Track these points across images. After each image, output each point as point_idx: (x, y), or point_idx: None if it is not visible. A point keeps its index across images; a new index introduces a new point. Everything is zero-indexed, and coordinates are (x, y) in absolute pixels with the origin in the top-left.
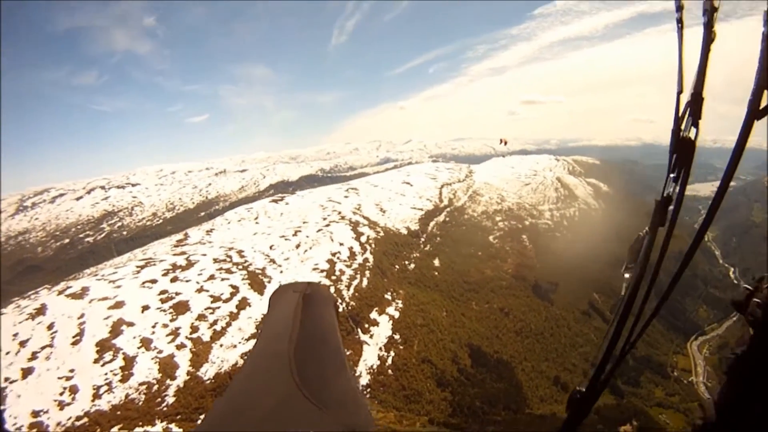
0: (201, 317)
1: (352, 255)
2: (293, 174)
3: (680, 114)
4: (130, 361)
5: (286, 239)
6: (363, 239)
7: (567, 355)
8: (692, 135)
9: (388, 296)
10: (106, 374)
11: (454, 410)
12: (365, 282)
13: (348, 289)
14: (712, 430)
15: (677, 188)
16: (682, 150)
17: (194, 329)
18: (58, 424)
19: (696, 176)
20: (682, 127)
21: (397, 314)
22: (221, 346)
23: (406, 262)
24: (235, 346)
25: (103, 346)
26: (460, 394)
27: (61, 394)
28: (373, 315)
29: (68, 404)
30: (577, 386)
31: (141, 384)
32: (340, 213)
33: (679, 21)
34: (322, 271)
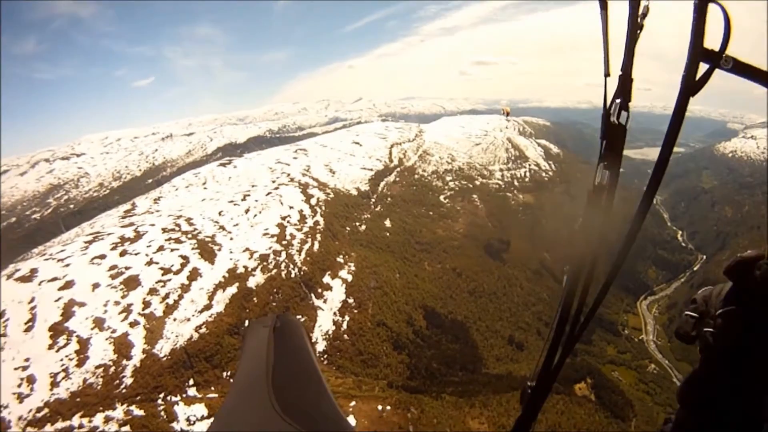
0: (152, 291)
1: (303, 218)
2: (241, 136)
3: (609, 98)
4: (84, 344)
5: (235, 204)
6: (313, 201)
7: (520, 314)
8: (623, 120)
9: (340, 259)
10: (61, 360)
11: (412, 373)
12: (316, 246)
13: (299, 254)
14: None
15: (608, 176)
16: (613, 136)
17: (146, 304)
18: (20, 418)
19: (646, 141)
20: (612, 111)
21: (350, 278)
22: (175, 320)
23: (357, 224)
24: (188, 320)
25: (56, 331)
26: (417, 356)
27: (19, 385)
28: (326, 279)
29: (27, 396)
30: (528, 381)
31: (97, 367)
32: (289, 175)
33: (603, 4)
34: (272, 236)
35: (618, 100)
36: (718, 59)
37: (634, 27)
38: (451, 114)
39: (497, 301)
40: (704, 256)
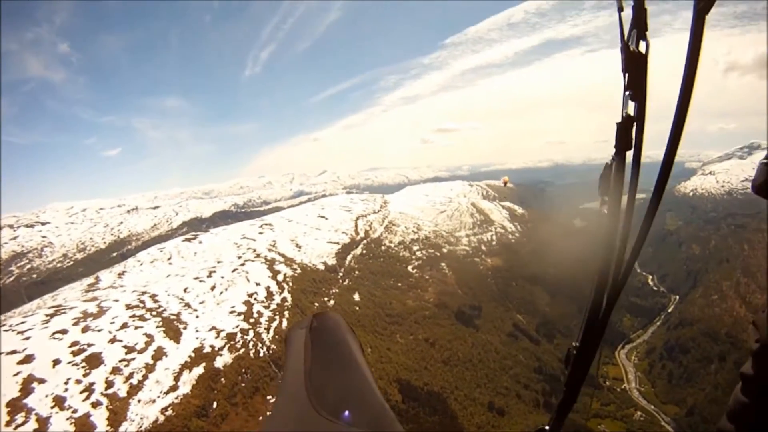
0: (115, 370)
1: (270, 295)
2: (206, 210)
3: (624, 28)
4: (43, 423)
5: (200, 281)
6: (280, 278)
7: (498, 379)
8: (642, 48)
9: None
10: None
11: None
12: (285, 323)
13: (267, 332)
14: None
15: (635, 107)
16: (634, 66)
17: (109, 384)
18: None
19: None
20: (630, 42)
21: None
22: (139, 401)
23: (326, 299)
24: (154, 401)
25: (14, 407)
26: None
27: None
28: None
29: None
30: (573, 343)
31: None
32: (255, 251)
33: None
34: (239, 314)
35: (635, 30)
36: None
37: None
38: (415, 183)
39: (473, 369)
40: (677, 297)
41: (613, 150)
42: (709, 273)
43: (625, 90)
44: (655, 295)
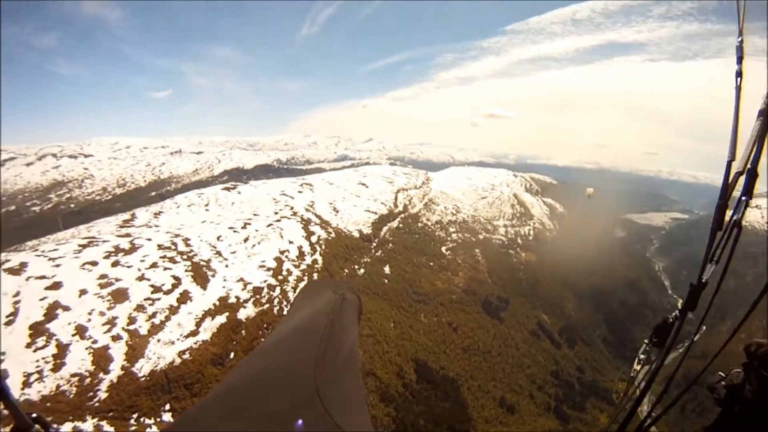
0: (139, 308)
1: (301, 254)
2: (249, 161)
3: (728, 185)
4: (63, 349)
5: (234, 231)
6: (313, 239)
7: (514, 375)
8: (739, 214)
9: None
10: (37, 361)
11: (398, 427)
12: None
13: (294, 291)
14: None
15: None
16: (730, 230)
17: (131, 320)
18: None
19: (651, 206)
20: (729, 202)
21: None
22: (158, 341)
23: (356, 267)
24: (173, 343)
25: (36, 330)
26: (404, 410)
27: None
28: None
29: None
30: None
31: (73, 375)
32: (292, 209)
33: (739, 74)
34: (268, 269)
35: (743, 198)
36: None
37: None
38: (460, 164)
39: (491, 361)
40: (704, 327)
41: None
42: (739, 309)
43: (709, 252)
44: (684, 322)
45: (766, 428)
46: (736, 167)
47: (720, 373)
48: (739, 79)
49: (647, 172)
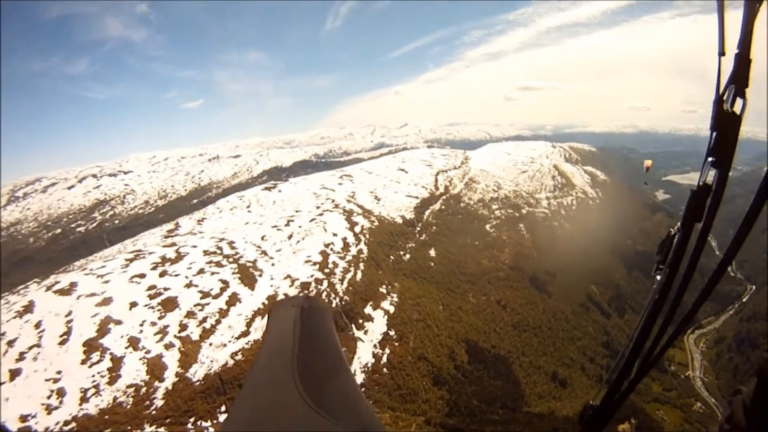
0: (190, 314)
1: (346, 246)
2: (287, 160)
3: (722, 82)
4: (117, 362)
5: (278, 229)
6: (357, 229)
7: (565, 349)
8: (737, 108)
9: (383, 290)
10: (93, 376)
11: (451, 409)
12: (359, 275)
13: (341, 283)
14: None
15: (716, 175)
16: (725, 127)
17: (183, 327)
18: (47, 429)
19: (692, 165)
20: (725, 98)
21: (392, 309)
22: (210, 345)
23: (402, 253)
24: (224, 345)
25: (90, 346)
26: (457, 392)
27: (49, 397)
28: (368, 310)
29: (56, 408)
30: (590, 401)
31: (129, 386)
32: (333, 201)
33: None
34: (314, 263)
35: (733, 85)
36: None
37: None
38: (497, 140)
39: (542, 336)
40: (753, 287)
41: (682, 215)
42: None
43: (708, 153)
44: (732, 281)
45: None
46: (728, 61)
47: None
48: None
49: (686, 130)
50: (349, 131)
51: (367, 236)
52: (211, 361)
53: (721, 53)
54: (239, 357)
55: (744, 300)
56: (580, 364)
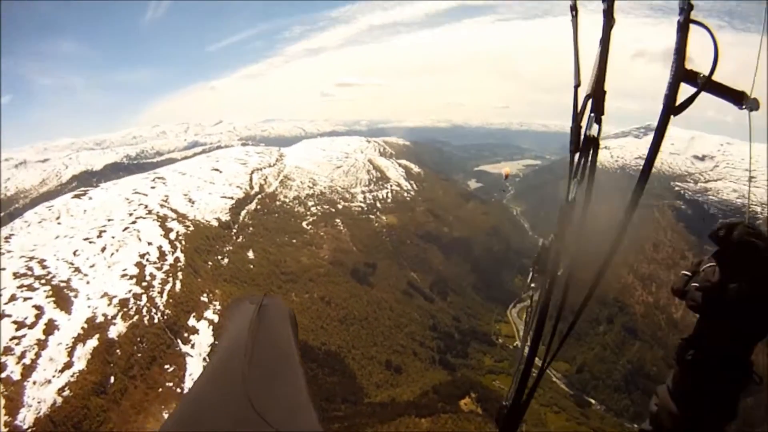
0: (7, 350)
1: (162, 255)
2: (98, 162)
3: (579, 109)
4: None
5: (90, 242)
6: (172, 236)
7: (394, 337)
8: (595, 132)
9: (204, 298)
10: None
11: None
12: (178, 285)
13: (161, 296)
14: (671, 418)
15: (580, 190)
16: (588, 149)
17: (1, 367)
18: None
19: (504, 156)
20: (582, 124)
21: (216, 318)
22: (34, 383)
23: (219, 258)
24: (49, 381)
25: None
26: None
27: None
28: (191, 322)
29: None
30: (503, 401)
31: None
32: (146, 207)
33: (574, 8)
34: (131, 277)
35: (592, 114)
36: (698, 80)
37: (607, 38)
38: (312, 136)
39: (369, 327)
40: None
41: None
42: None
43: (572, 173)
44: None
45: (759, 324)
46: (583, 92)
47: (683, 272)
48: (574, 12)
49: (498, 125)
50: (162, 129)
51: (183, 242)
52: (38, 402)
53: (577, 84)
54: (67, 392)
55: (559, 273)
56: (411, 350)
